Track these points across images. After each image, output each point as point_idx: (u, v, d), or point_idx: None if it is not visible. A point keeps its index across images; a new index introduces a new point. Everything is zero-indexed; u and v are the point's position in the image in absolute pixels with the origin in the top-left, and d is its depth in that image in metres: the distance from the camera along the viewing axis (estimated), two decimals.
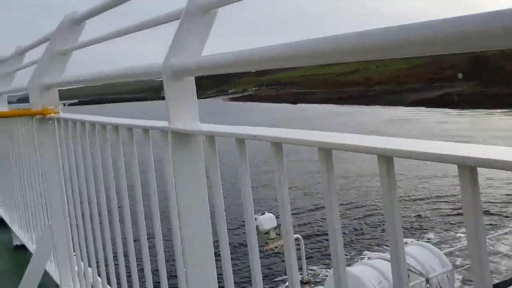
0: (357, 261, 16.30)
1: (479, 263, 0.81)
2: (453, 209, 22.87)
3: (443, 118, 57.55)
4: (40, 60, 3.05)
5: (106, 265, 2.50)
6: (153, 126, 1.67)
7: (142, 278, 2.03)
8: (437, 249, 11.14)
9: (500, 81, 76.19)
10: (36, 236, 3.84)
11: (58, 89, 3.00)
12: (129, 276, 2.14)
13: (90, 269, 2.73)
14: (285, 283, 14.54)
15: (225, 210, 1.45)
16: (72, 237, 3.02)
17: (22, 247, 4.39)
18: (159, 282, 1.88)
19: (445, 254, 11.31)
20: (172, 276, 1.83)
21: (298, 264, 1.32)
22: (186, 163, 1.54)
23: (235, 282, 1.50)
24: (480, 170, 0.80)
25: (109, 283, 2.50)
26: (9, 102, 5.26)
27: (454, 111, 66.65)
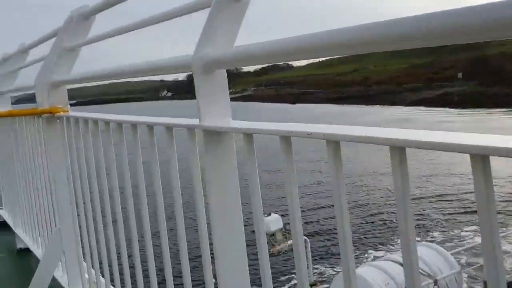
0: (362, 259, 16.27)
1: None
2: (457, 207, 22.78)
3: (443, 118, 57.48)
4: (48, 57, 2.92)
5: (121, 273, 2.36)
6: (181, 124, 1.54)
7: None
8: (444, 249, 11.02)
9: (500, 81, 76.14)
10: (42, 239, 3.72)
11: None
12: (148, 287, 2.01)
13: (102, 279, 2.59)
14: (289, 282, 14.40)
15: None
16: (82, 241, 2.89)
17: (26, 251, 4.27)
18: None
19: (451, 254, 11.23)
20: (197, 284, 1.71)
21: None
22: (218, 163, 1.41)
23: None
24: None
25: None
26: None
27: (454, 111, 66.57)
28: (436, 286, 9.52)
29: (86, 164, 2.60)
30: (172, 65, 1.50)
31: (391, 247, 17.68)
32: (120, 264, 2.37)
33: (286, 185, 1.18)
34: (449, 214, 22.07)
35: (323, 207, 22.64)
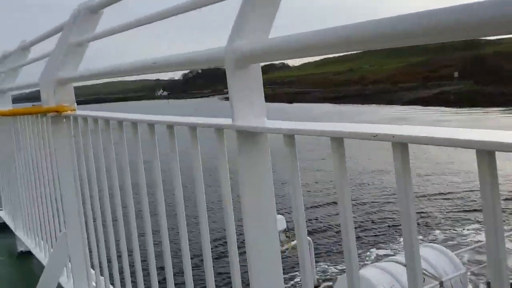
0: (364, 258, 16.20)
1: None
2: (457, 205, 22.73)
3: (440, 117, 57.52)
4: (53, 53, 2.78)
5: (133, 281, 2.23)
6: (208, 124, 1.41)
7: None
8: (448, 250, 10.94)
9: (496, 80, 76.30)
10: (45, 242, 3.60)
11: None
12: None
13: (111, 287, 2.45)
14: (291, 281, 14.31)
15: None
16: (90, 247, 2.76)
17: (27, 253, 4.16)
18: None
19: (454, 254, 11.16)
20: None
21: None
22: (252, 165, 1.29)
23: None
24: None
25: None
26: None
27: (450, 110, 66.62)
28: None
29: (95, 166, 2.47)
30: (203, 59, 1.37)
31: (393, 246, 17.61)
32: (132, 273, 2.24)
33: (338, 189, 1.05)
34: (451, 212, 22.01)
35: (322, 205, 22.54)
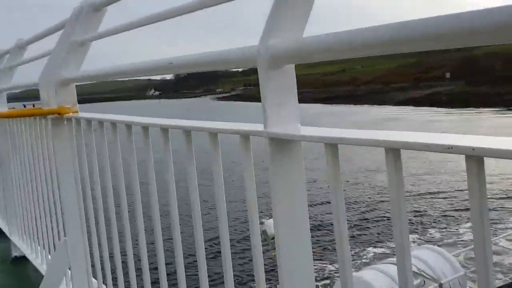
0: (362, 257, 16.18)
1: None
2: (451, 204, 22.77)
3: (432, 117, 57.70)
4: (54, 51, 2.64)
5: None
6: (234, 130, 1.30)
7: None
8: (447, 252, 10.89)
9: (487, 80, 76.71)
10: (41, 248, 3.48)
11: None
12: None
13: None
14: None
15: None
16: (92, 255, 2.63)
17: (22, 259, 4.03)
18: None
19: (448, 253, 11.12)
20: None
21: None
22: (285, 172, 1.17)
23: None
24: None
25: None
26: None
27: (442, 110, 66.87)
28: None
29: (99, 171, 2.34)
30: (235, 58, 1.24)
31: (390, 244, 17.60)
32: (140, 283, 2.12)
33: (394, 207, 0.94)
34: (446, 211, 22.03)
35: (315, 204, 22.47)
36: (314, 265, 1.29)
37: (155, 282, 1.96)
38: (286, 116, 1.16)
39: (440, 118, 56.15)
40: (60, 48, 2.57)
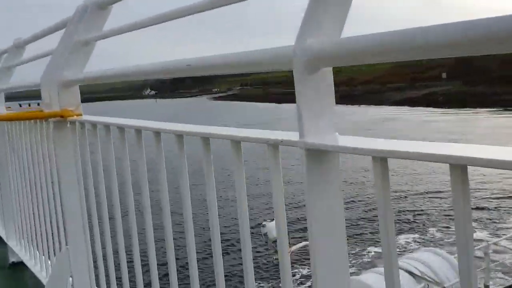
0: (362, 257, 16.14)
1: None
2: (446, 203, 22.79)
3: (428, 118, 57.75)
4: (56, 51, 2.52)
5: None
6: (260, 138, 1.19)
7: None
8: (450, 255, 10.80)
9: (484, 80, 76.88)
10: (41, 254, 3.37)
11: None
12: None
13: None
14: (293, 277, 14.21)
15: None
16: (97, 265, 2.52)
17: (20, 264, 3.93)
18: None
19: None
20: None
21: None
22: (321, 183, 1.07)
23: None
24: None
25: None
26: None
27: (439, 110, 66.94)
28: None
29: (104, 177, 2.23)
30: (265, 59, 1.13)
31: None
32: None
33: (459, 228, 0.84)
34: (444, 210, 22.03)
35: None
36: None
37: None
38: (324, 125, 1.05)
39: (436, 118, 56.21)
40: (62, 48, 2.45)
